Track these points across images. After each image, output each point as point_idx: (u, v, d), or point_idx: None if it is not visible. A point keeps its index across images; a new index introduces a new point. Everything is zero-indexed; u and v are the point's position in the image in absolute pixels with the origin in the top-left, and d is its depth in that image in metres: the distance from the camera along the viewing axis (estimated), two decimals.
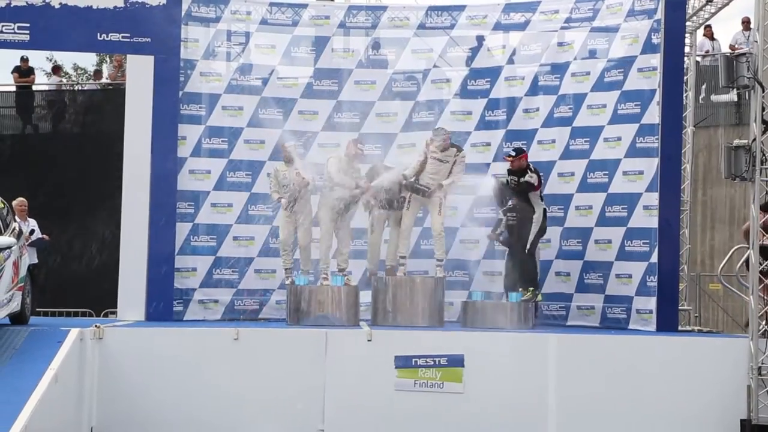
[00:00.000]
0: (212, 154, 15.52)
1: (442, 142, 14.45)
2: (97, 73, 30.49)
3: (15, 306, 13.07)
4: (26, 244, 15.31)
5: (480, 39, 16.17)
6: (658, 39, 14.66)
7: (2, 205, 13.21)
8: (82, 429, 12.58)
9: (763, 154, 13.05)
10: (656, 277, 14.36)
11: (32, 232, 15.67)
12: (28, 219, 16.37)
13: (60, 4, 14.40)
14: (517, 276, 14.51)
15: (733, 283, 14.76)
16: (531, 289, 14.44)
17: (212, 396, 12.89)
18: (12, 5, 14.19)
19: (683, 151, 15.16)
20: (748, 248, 13.27)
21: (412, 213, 14.69)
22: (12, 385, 11.02)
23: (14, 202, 16.03)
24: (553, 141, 15.65)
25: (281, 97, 15.87)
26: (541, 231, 14.64)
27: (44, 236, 16.65)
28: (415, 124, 15.96)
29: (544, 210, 14.66)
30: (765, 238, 13.57)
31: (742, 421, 12.87)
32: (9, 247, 12.54)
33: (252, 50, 15.92)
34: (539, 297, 14.66)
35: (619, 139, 15.02)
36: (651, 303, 14.40)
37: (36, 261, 16.51)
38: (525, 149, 14.93)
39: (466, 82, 16.14)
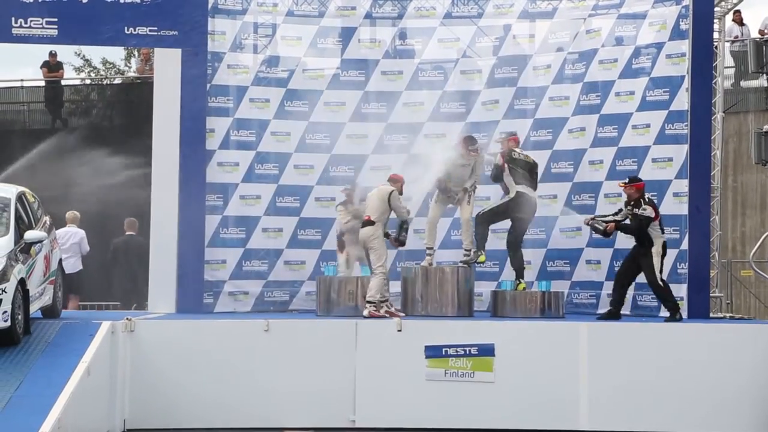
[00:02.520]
0: (240, 146, 15.56)
1: (467, 150, 14.43)
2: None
3: (47, 299, 13.16)
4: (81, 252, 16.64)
5: (507, 28, 16.12)
6: (686, 25, 14.60)
7: (33, 199, 13.29)
8: (114, 421, 12.65)
9: None
10: (687, 264, 14.30)
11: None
12: (78, 229, 17.06)
13: None
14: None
15: (764, 269, 14.70)
16: None
17: (243, 387, 12.93)
18: (40, 0, 14.24)
19: (713, 137, 15.08)
20: None
21: (439, 206, 14.69)
22: (45, 378, 11.09)
23: (67, 215, 16.51)
24: (582, 129, 15.60)
25: (308, 88, 15.88)
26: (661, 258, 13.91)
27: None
28: (442, 114, 15.93)
29: (664, 243, 13.87)
30: None
31: None
32: (40, 241, 12.62)
33: (278, 42, 15.94)
34: None
35: (648, 126, 14.97)
36: (682, 290, 14.35)
37: (80, 267, 16.77)
38: (641, 179, 14.12)
39: (494, 71, 16.10)
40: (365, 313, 13.56)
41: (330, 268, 14.60)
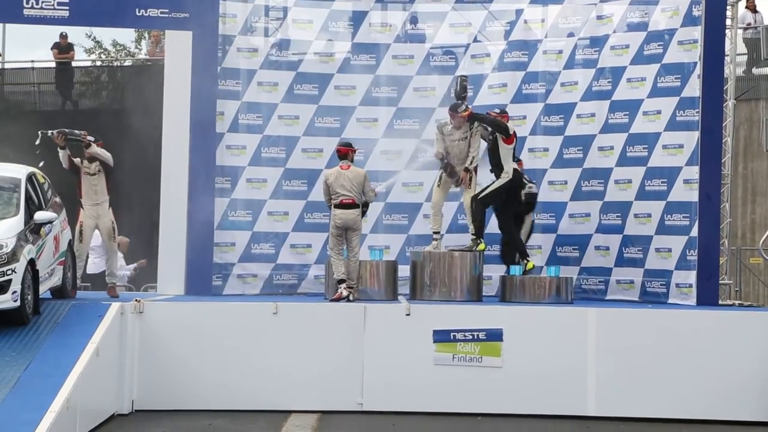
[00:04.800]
0: (248, 129, 15.56)
1: (459, 120, 14.37)
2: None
3: (56, 280, 13.20)
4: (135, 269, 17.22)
5: (518, 12, 16.08)
6: (698, 11, 14.55)
7: (43, 180, 13.32)
8: (123, 402, 12.70)
9: None
10: (696, 251, 14.29)
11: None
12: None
13: None
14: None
15: None
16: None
17: (251, 370, 12.96)
18: None
19: (724, 124, 15.03)
20: None
21: (442, 190, 14.66)
22: (54, 358, 11.14)
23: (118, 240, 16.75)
24: (593, 115, 15.56)
25: (317, 72, 15.86)
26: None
27: (142, 261, 18.10)
28: (453, 99, 15.90)
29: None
30: None
31: None
32: (50, 222, 12.65)
33: (289, 25, 15.92)
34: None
35: (659, 112, 14.93)
36: (691, 277, 14.34)
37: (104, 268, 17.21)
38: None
39: (504, 56, 16.07)
40: (347, 294, 13.53)
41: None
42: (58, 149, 13.78)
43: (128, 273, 18.34)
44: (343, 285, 13.62)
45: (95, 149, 13.86)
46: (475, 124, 14.42)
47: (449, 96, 15.76)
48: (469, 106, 14.56)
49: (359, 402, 12.99)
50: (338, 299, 13.53)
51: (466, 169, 14.41)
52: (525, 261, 14.39)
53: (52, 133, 13.68)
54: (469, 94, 15.10)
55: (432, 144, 14.77)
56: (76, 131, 13.84)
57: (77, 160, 13.92)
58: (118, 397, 12.61)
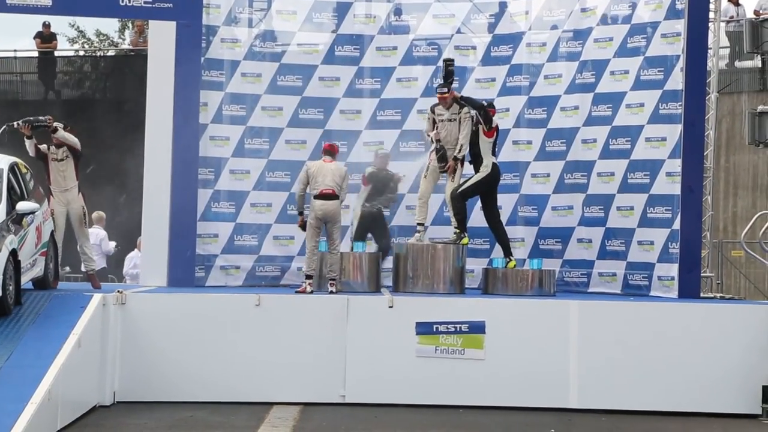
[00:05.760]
0: (232, 120, 15.52)
1: (448, 101, 14.36)
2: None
3: (38, 271, 13.15)
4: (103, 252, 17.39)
5: (503, 5, 16.10)
6: (682, 4, 14.57)
7: (26, 170, 13.26)
8: (104, 393, 12.67)
9: None
10: (678, 243, 14.33)
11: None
12: (100, 229, 17.76)
13: None
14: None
15: (755, 249, 14.74)
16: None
17: (234, 361, 12.95)
18: None
19: (706, 117, 15.05)
20: None
21: (429, 181, 14.63)
22: (36, 349, 11.10)
23: (93, 215, 16.75)
24: (576, 107, 15.58)
25: (301, 63, 15.84)
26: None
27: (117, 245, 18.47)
28: (436, 89, 15.90)
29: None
30: None
31: (764, 387, 12.89)
32: (32, 212, 12.59)
33: (273, 16, 15.88)
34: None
35: (642, 105, 14.95)
36: (673, 270, 14.38)
37: (105, 265, 17.78)
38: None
39: (489, 49, 16.08)
40: (310, 291, 13.60)
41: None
42: (25, 138, 13.68)
43: (110, 251, 18.29)
44: (310, 280, 13.63)
45: (62, 133, 13.74)
46: (464, 110, 14.39)
47: (432, 87, 15.76)
48: (453, 90, 14.55)
49: (342, 394, 13.00)
50: (302, 292, 13.53)
51: (455, 158, 14.39)
52: (508, 259, 14.41)
53: (18, 124, 13.59)
54: (455, 85, 15.11)
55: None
56: (41, 117, 13.73)
57: (44, 147, 13.82)
58: (99, 389, 12.58)
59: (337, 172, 13.75)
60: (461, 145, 14.37)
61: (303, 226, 14.00)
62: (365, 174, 15.28)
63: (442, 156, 14.42)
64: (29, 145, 13.72)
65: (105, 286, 14.59)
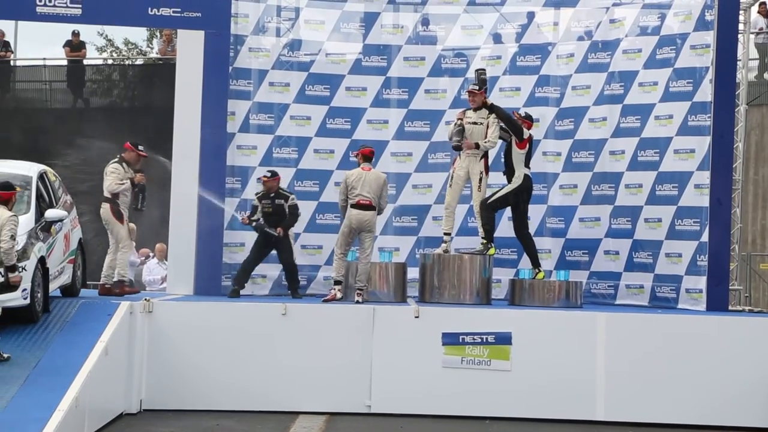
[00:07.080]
0: (259, 129, 15.56)
1: (478, 99, 14.31)
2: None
3: (66, 278, 13.22)
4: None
5: (530, 15, 16.08)
6: (711, 16, 14.52)
7: (54, 178, 13.34)
8: (131, 401, 12.70)
9: None
10: (707, 256, 14.25)
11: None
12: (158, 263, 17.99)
13: None
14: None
15: None
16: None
17: (260, 370, 12.96)
18: None
19: (735, 129, 15.00)
20: None
21: (455, 190, 14.58)
22: (63, 356, 11.15)
23: (157, 246, 17.53)
24: (604, 119, 15.55)
25: (329, 73, 15.86)
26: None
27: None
28: (464, 101, 15.85)
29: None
30: None
31: None
32: (60, 220, 12.66)
33: (301, 26, 15.93)
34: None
35: (671, 117, 14.90)
36: (701, 282, 14.31)
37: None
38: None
39: (516, 59, 16.06)
40: (340, 297, 13.66)
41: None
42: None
43: (135, 261, 18.33)
44: (339, 286, 13.64)
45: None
46: (492, 116, 14.34)
47: (460, 98, 15.76)
48: (487, 97, 14.53)
49: (367, 404, 12.99)
50: (331, 300, 13.54)
51: (477, 144, 14.29)
52: (536, 270, 14.37)
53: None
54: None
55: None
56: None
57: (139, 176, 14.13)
58: (126, 397, 12.61)
59: (375, 182, 13.78)
60: (487, 139, 14.29)
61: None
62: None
63: (460, 131, 14.33)
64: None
65: (132, 294, 14.62)
